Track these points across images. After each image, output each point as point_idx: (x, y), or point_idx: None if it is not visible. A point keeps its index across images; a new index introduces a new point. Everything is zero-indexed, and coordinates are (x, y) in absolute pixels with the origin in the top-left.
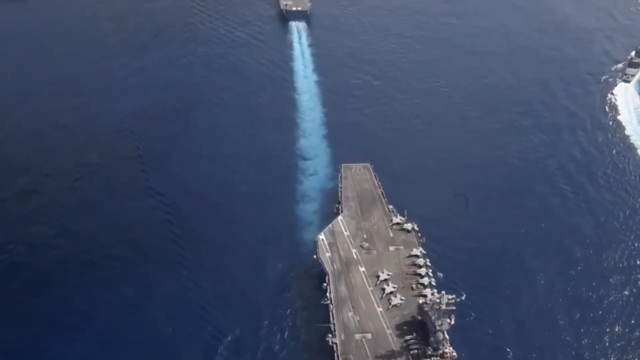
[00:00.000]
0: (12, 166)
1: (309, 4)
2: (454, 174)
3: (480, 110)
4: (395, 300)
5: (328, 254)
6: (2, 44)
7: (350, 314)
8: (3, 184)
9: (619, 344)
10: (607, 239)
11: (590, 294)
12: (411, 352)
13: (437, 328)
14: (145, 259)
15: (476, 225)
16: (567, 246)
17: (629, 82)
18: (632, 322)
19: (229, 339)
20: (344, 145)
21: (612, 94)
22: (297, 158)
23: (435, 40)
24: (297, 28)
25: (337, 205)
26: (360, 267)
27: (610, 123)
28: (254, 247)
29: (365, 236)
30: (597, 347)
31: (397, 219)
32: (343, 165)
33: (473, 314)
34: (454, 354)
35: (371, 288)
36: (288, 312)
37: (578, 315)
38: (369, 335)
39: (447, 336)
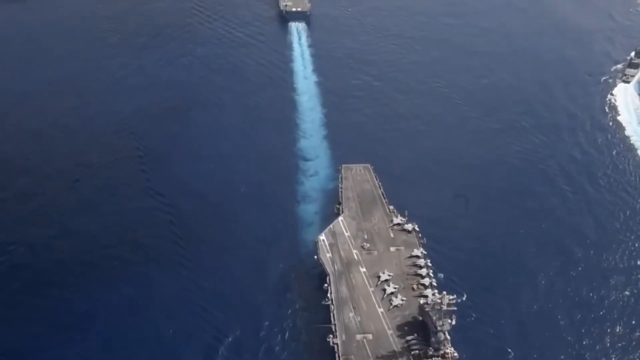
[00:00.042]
0: (12, 166)
1: (308, 5)
2: (454, 175)
3: (480, 110)
4: (396, 301)
5: (329, 255)
6: (2, 44)
7: (351, 314)
8: (3, 184)
9: (619, 345)
10: (608, 240)
11: (590, 294)
12: (412, 352)
13: (438, 328)
14: (145, 259)
15: (476, 225)
16: (568, 246)
17: (628, 82)
18: (633, 322)
19: (230, 339)
20: (344, 145)
21: (612, 94)
22: (297, 159)
23: (435, 40)
24: (297, 29)
25: (337, 206)
26: (361, 268)
27: (610, 124)
28: (255, 247)
29: (366, 237)
30: (597, 347)
31: (398, 219)
32: (343, 165)
33: (474, 315)
34: (455, 354)
35: (372, 289)
36: (289, 312)
37: (579, 316)
38: (370, 336)
39: (448, 337)
